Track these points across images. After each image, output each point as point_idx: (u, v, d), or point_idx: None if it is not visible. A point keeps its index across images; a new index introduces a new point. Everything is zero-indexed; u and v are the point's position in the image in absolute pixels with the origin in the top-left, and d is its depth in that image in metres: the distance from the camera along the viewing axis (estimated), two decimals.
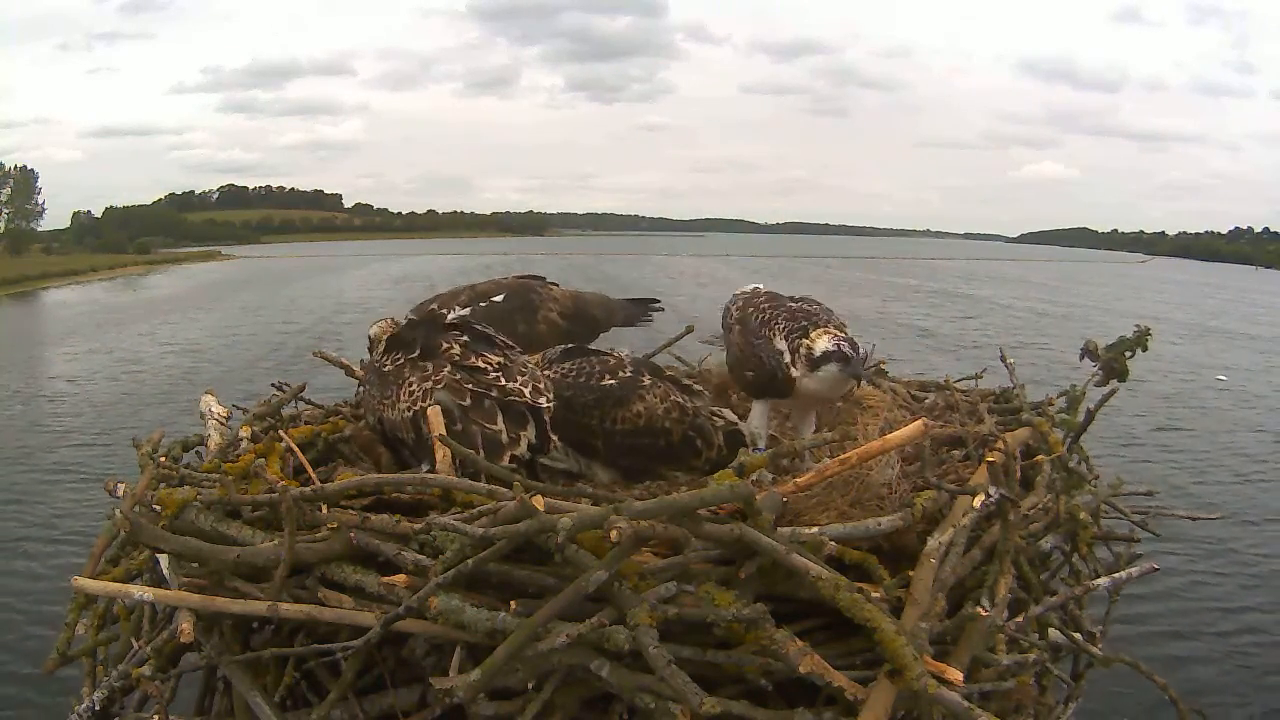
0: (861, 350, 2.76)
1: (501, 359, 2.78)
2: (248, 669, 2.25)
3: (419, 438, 2.68)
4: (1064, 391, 3.30)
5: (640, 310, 3.94)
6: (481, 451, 2.52)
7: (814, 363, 2.72)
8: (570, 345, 3.10)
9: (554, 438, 2.68)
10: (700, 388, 3.04)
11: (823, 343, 2.72)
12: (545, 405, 2.68)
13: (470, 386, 2.67)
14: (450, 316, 3.39)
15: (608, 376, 2.85)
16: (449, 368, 2.72)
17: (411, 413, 2.68)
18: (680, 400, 2.85)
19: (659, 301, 4.02)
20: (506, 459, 2.57)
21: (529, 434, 2.64)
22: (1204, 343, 19.97)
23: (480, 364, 2.75)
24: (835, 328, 2.79)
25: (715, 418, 2.91)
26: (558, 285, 3.79)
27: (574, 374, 2.87)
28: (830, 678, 1.90)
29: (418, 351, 2.79)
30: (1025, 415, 3.17)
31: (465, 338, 2.84)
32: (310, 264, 52.82)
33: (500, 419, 2.63)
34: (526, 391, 2.69)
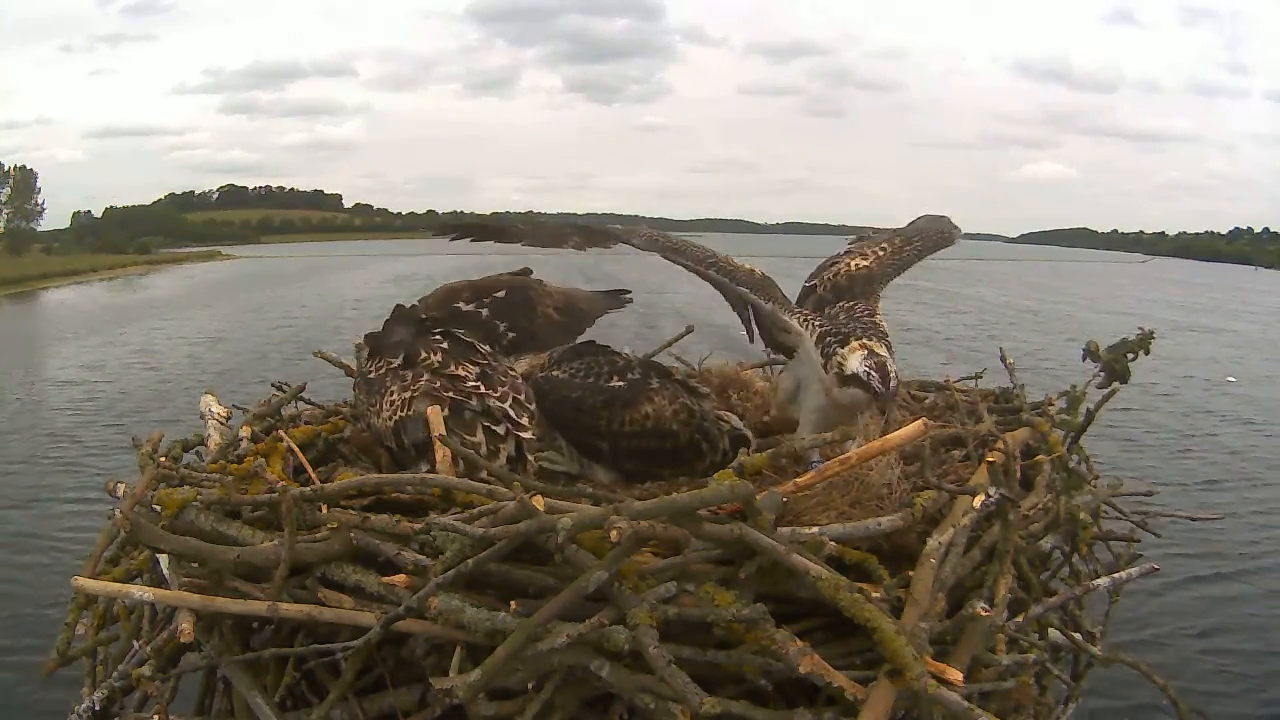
0: (892, 373, 2.64)
1: (482, 368, 2.78)
2: (248, 669, 2.25)
3: (401, 448, 2.70)
4: (1064, 392, 3.30)
5: (613, 302, 3.97)
6: (460, 468, 2.50)
7: (843, 380, 2.66)
8: (579, 344, 3.11)
9: (530, 459, 2.68)
10: (706, 390, 3.03)
11: (854, 361, 2.64)
12: (527, 436, 2.67)
13: (449, 395, 2.67)
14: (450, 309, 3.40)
15: (616, 378, 2.83)
16: (427, 376, 2.72)
17: (393, 422, 2.69)
18: (688, 402, 2.84)
19: (630, 292, 4.06)
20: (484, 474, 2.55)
21: (508, 448, 2.63)
22: (1198, 339, 20.02)
23: (460, 372, 2.74)
24: (871, 340, 2.69)
25: (721, 421, 2.90)
26: (545, 282, 3.82)
27: (582, 374, 2.86)
28: (830, 678, 1.90)
29: (399, 359, 2.79)
30: (1025, 415, 3.17)
31: (445, 344, 2.83)
32: (311, 264, 52.85)
33: (480, 431, 2.63)
34: (507, 407, 2.68)
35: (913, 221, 3.45)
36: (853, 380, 2.65)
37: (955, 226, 3.34)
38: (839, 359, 2.68)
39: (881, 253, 3.15)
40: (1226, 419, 11.67)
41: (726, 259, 2.94)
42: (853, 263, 3.12)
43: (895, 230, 3.34)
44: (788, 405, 3.09)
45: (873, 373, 2.63)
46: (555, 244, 3.18)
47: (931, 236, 3.27)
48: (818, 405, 2.84)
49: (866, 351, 2.66)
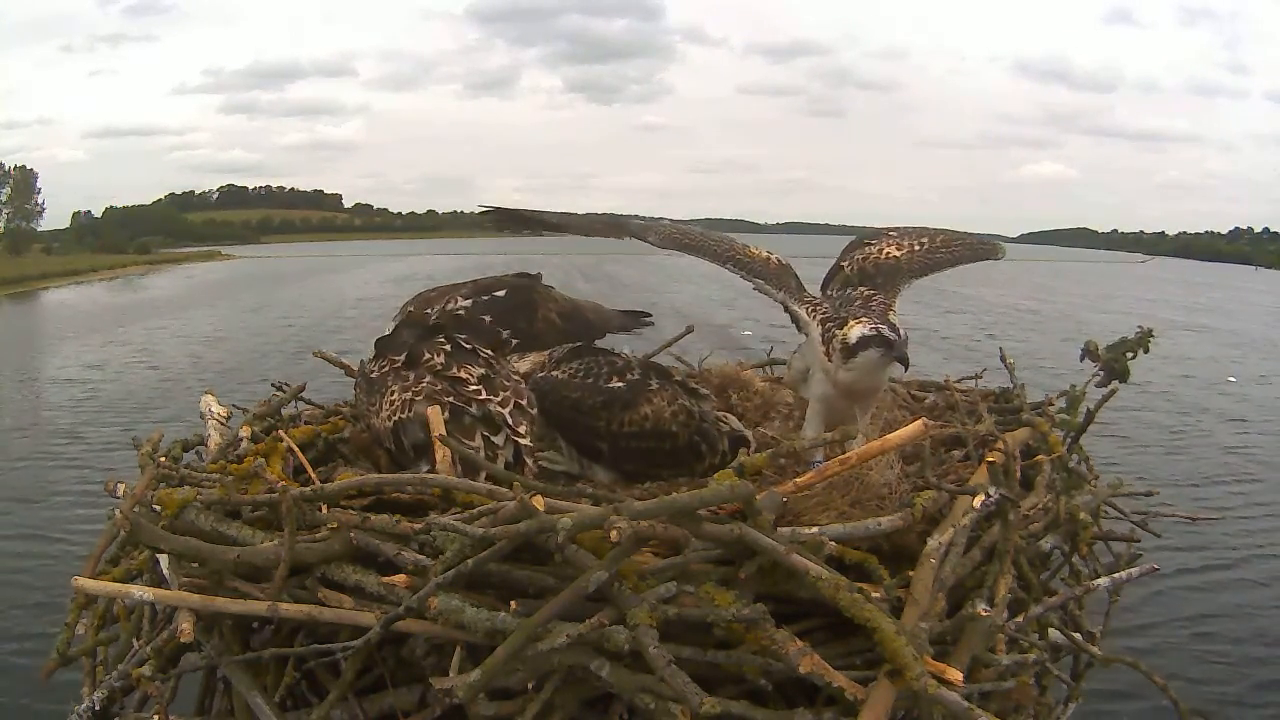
0: (902, 333, 2.63)
1: (484, 371, 2.76)
2: (248, 669, 2.25)
3: (400, 449, 2.68)
4: (1064, 392, 3.30)
5: (632, 322, 3.95)
6: (458, 469, 2.49)
7: (849, 352, 2.63)
8: (578, 344, 3.09)
9: (529, 463, 2.67)
10: (706, 391, 3.03)
11: (855, 331, 2.63)
12: (525, 443, 2.64)
13: (450, 399, 2.65)
14: (450, 308, 3.39)
15: (616, 378, 2.84)
16: (429, 378, 2.70)
17: (392, 423, 2.68)
18: (687, 404, 2.84)
19: (650, 316, 4.04)
20: (481, 479, 2.52)
21: (506, 454, 2.62)
22: (1197, 339, 20.04)
23: (462, 374, 2.72)
24: (870, 316, 2.68)
25: (721, 422, 2.90)
26: (553, 288, 3.80)
27: (582, 374, 2.86)
28: (830, 678, 1.90)
29: (402, 359, 2.77)
30: (1025, 415, 3.17)
31: (449, 346, 2.81)
32: (311, 264, 52.93)
33: (478, 437, 2.61)
34: (507, 413, 2.66)
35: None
36: (859, 345, 2.62)
37: (1003, 247, 3.31)
38: (839, 339, 2.67)
39: (917, 247, 3.10)
40: (1224, 418, 11.69)
41: (744, 249, 2.93)
42: (884, 250, 3.09)
43: (942, 230, 3.29)
44: (798, 384, 3.10)
45: (879, 326, 2.61)
46: (586, 233, 3.30)
47: (973, 244, 3.22)
48: (821, 395, 2.84)
49: (864, 322, 2.66)
